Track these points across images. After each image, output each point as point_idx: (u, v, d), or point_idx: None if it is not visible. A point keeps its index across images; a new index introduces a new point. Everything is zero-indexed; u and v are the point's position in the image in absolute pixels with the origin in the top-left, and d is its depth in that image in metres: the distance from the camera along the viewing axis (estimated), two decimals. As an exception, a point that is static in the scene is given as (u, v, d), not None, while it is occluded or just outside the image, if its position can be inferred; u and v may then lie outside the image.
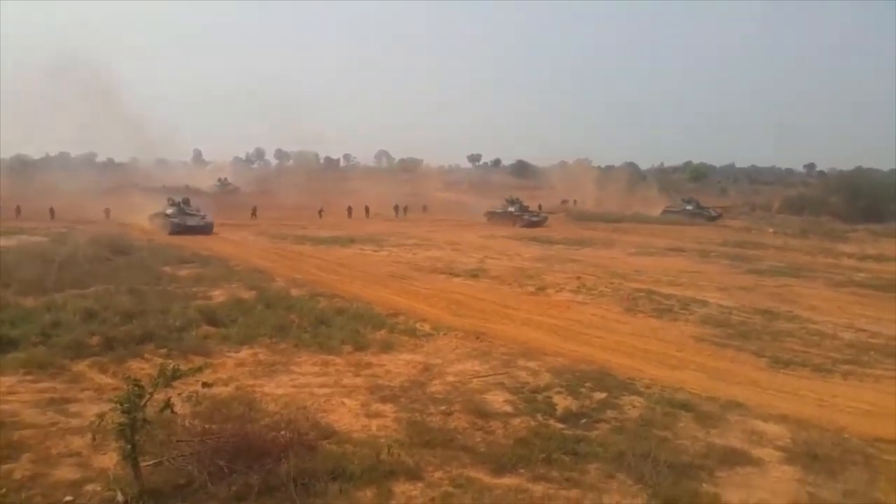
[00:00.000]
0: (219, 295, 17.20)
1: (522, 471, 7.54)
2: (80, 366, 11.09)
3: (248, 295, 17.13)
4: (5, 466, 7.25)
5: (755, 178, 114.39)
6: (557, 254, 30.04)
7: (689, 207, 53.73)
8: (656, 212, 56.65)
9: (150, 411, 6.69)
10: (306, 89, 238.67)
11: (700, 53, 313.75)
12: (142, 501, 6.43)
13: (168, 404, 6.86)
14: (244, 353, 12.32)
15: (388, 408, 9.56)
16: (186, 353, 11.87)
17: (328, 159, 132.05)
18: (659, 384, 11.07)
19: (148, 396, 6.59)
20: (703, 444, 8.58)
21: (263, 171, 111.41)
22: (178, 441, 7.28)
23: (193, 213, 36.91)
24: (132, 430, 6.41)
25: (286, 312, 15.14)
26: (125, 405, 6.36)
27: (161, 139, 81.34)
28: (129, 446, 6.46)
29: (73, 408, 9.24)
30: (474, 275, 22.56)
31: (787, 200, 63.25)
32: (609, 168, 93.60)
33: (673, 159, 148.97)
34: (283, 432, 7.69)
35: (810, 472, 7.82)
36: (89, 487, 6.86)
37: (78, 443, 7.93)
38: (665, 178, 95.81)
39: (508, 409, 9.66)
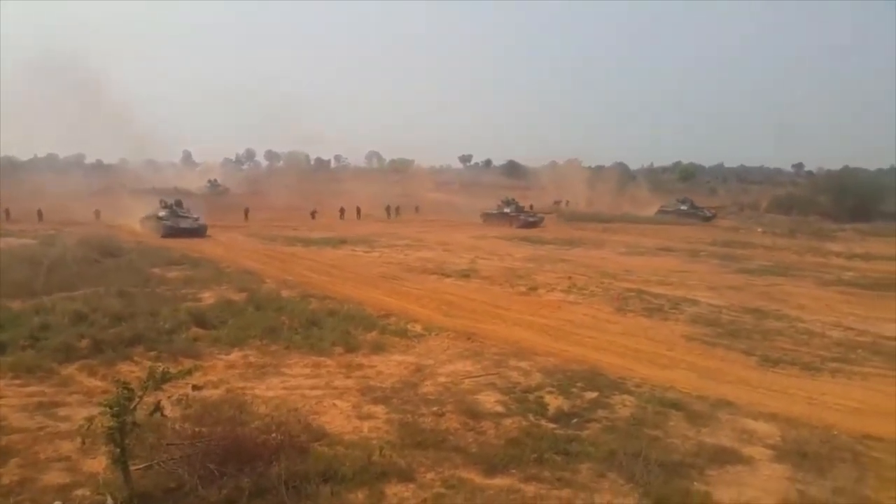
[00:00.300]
0: (209, 297, 17.11)
1: (514, 471, 7.56)
2: (69, 369, 11.01)
3: (238, 297, 17.06)
4: (-7, 471, 7.19)
5: (744, 177, 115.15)
6: (548, 254, 30.11)
7: (683, 207, 54.01)
8: (647, 212, 56.89)
9: (140, 414, 6.65)
10: (298, 90, 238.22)
11: (691, 54, 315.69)
12: (131, 505, 6.39)
13: (158, 407, 6.83)
14: (234, 355, 12.27)
15: (379, 409, 9.54)
16: (176, 355, 11.81)
17: (319, 160, 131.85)
18: (649, 383, 11.11)
19: (137, 399, 6.55)
20: (693, 442, 8.62)
21: (254, 172, 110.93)
22: (168, 444, 7.23)
23: (186, 215, 36.46)
24: (121, 433, 6.36)
25: (277, 314, 15.08)
26: (114, 408, 6.32)
27: (150, 140, 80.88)
28: (118, 450, 6.41)
29: (62, 412, 9.17)
30: (465, 275, 22.57)
31: (775, 200, 63.72)
32: (599, 168, 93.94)
33: (662, 159, 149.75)
34: (273, 435, 7.67)
35: (800, 470, 7.88)
36: (78, 492, 6.81)
37: (67, 447, 7.87)
38: (655, 178, 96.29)
39: (500, 409, 9.67)
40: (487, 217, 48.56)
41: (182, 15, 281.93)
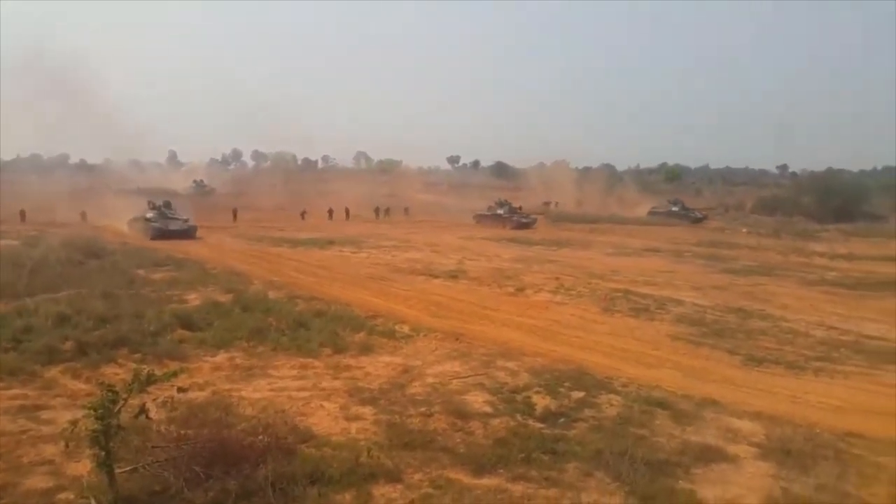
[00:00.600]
0: (194, 298, 17.01)
1: (502, 471, 7.57)
2: (53, 372, 10.90)
3: (224, 298, 16.97)
4: (-25, 476, 7.10)
5: (729, 178, 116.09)
6: (536, 255, 30.21)
7: (675, 209, 54.34)
8: (635, 213, 57.26)
9: (125, 417, 6.59)
10: (284, 90, 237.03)
11: (678, 57, 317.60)
12: (116, 509, 6.34)
13: (143, 410, 6.77)
14: (221, 357, 12.20)
15: (367, 410, 9.53)
16: (161, 357, 11.73)
17: (306, 160, 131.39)
18: (636, 383, 11.18)
19: (122, 402, 6.49)
20: (679, 441, 8.68)
21: (240, 172, 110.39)
22: (153, 447, 7.18)
23: (175, 216, 35.83)
24: (106, 436, 6.30)
25: (264, 315, 15.01)
26: (99, 411, 6.25)
27: (135, 140, 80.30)
28: (103, 453, 6.35)
29: (46, 415, 9.07)
30: (453, 276, 22.59)
31: (760, 201, 64.39)
32: (587, 169, 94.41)
33: (649, 160, 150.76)
34: (260, 437, 7.64)
35: (784, 468, 7.95)
36: (62, 496, 6.75)
37: (50, 450, 7.79)
38: (641, 179, 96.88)
39: (488, 409, 9.69)
40: (480, 218, 48.54)
41: (168, 14, 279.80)
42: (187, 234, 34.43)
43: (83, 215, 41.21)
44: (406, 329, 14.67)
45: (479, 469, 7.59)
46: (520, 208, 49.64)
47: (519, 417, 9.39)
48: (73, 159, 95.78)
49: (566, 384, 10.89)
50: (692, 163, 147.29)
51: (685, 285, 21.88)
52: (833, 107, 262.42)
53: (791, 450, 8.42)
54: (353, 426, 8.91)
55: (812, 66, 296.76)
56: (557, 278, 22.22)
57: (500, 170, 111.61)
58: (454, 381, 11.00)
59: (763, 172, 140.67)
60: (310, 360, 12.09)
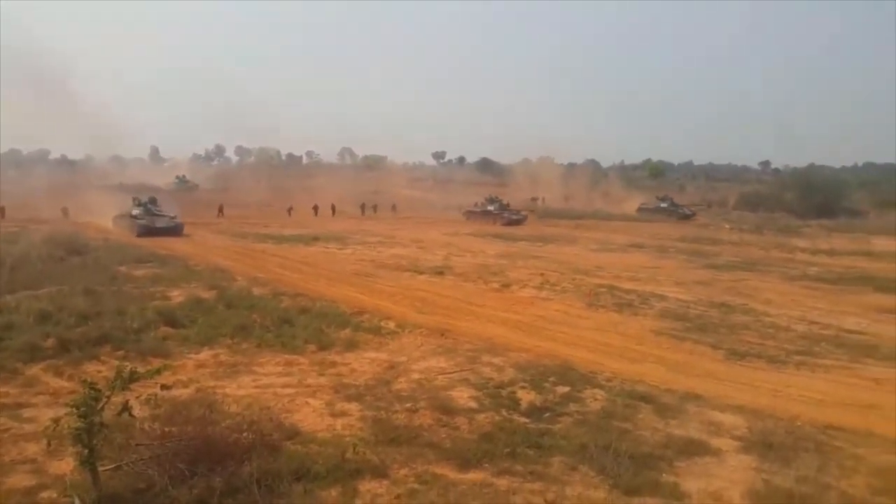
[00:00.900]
0: (178, 295, 16.87)
1: (487, 465, 7.60)
2: (34, 369, 10.78)
3: (208, 295, 16.86)
4: (-45, 475, 7.02)
5: (712, 175, 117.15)
6: (521, 250, 30.29)
7: (664, 205, 54.63)
8: (620, 208, 57.61)
9: (108, 415, 6.55)
10: (268, 85, 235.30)
11: (663, 54, 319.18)
12: (100, 507, 6.29)
13: (126, 407, 6.71)
14: (205, 354, 12.12)
15: (353, 406, 9.52)
16: (144, 354, 11.64)
17: (290, 156, 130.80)
18: (620, 377, 11.26)
19: (105, 400, 6.45)
20: (662, 434, 8.76)
21: (223, 167, 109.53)
22: (137, 445, 7.13)
23: (161, 213, 35.13)
24: (89, 434, 6.25)
25: (248, 312, 14.94)
26: (81, 409, 6.21)
27: (117, 136, 79.53)
28: (86, 451, 6.30)
29: (27, 413, 8.98)
30: (439, 272, 22.60)
31: (742, 197, 65.08)
32: (572, 165, 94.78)
33: (633, 157, 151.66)
34: (245, 433, 7.60)
35: (766, 461, 8.05)
36: (45, 494, 6.69)
37: (32, 449, 7.72)
38: (626, 175, 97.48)
39: (473, 404, 9.72)
40: (471, 214, 48.40)
41: (149, 8, 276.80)
42: (175, 231, 33.67)
43: (65, 211, 40.67)
44: (391, 325, 14.66)
45: (465, 464, 7.62)
46: (507, 205, 49.75)
47: (504, 412, 9.43)
48: (54, 155, 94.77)
49: (551, 379, 10.95)
50: (675, 159, 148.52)
51: (668, 281, 22.05)
52: (815, 103, 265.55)
53: (773, 443, 8.52)
54: (339, 422, 8.90)
55: (794, 63, 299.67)
56: (542, 274, 22.30)
57: (486, 166, 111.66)
58: (440, 377, 11.02)
59: (745, 169, 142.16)
60: (295, 356, 12.06)
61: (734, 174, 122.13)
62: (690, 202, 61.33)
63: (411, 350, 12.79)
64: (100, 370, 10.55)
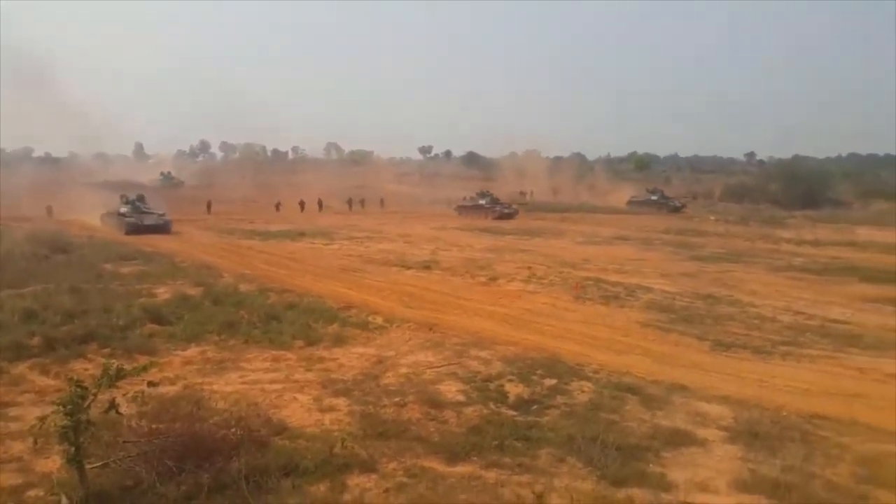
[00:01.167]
0: (164, 292, 16.77)
1: (475, 458, 7.64)
2: (20, 368, 10.71)
3: (194, 291, 16.77)
4: (-61, 475, 6.96)
5: (697, 167, 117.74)
6: (508, 244, 30.35)
7: (654, 198, 54.78)
8: (606, 200, 57.80)
9: (95, 413, 6.52)
10: (253, 80, 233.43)
11: (649, 46, 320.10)
12: (87, 505, 6.27)
13: (113, 405, 6.69)
14: (191, 350, 12.08)
15: (341, 401, 9.52)
16: (131, 352, 11.58)
17: (276, 151, 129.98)
18: (606, 369, 11.34)
19: (91, 397, 6.42)
20: (649, 425, 8.84)
21: (208, 164, 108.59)
22: (124, 442, 7.10)
23: (150, 210, 34.75)
24: (76, 432, 6.23)
25: (235, 308, 14.89)
26: (68, 407, 6.18)
27: (101, 133, 78.66)
28: (73, 449, 6.27)
29: (13, 411, 8.93)
30: (426, 266, 22.61)
31: (728, 189, 65.56)
32: (558, 159, 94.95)
33: (619, 149, 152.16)
34: (233, 430, 7.59)
35: (752, 450, 8.14)
36: (32, 493, 6.65)
37: (18, 447, 7.67)
38: (612, 167, 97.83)
39: (461, 398, 9.75)
40: (462, 209, 48.24)
41: (134, 5, 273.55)
42: (163, 228, 33.29)
43: (49, 209, 40.21)
44: (379, 320, 14.66)
45: (453, 457, 7.65)
46: (498, 199, 49.69)
47: (492, 405, 9.47)
48: (37, 152, 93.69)
49: (538, 372, 11.01)
50: (661, 151, 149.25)
51: (654, 273, 22.18)
52: (799, 94, 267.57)
53: (759, 432, 8.62)
54: (327, 417, 8.91)
55: (779, 55, 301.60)
56: (529, 267, 22.36)
57: (472, 160, 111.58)
58: (428, 371, 11.04)
59: (731, 161, 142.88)
60: (282, 352, 12.03)
61: (720, 166, 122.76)
62: (677, 194, 61.64)
63: (399, 345, 12.80)
64: (86, 368, 10.48)
